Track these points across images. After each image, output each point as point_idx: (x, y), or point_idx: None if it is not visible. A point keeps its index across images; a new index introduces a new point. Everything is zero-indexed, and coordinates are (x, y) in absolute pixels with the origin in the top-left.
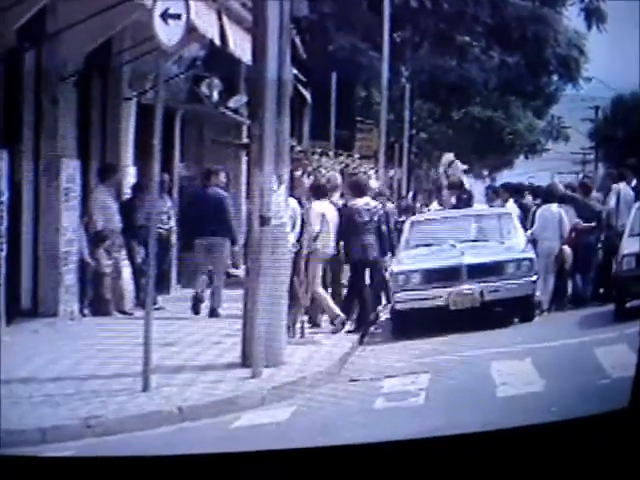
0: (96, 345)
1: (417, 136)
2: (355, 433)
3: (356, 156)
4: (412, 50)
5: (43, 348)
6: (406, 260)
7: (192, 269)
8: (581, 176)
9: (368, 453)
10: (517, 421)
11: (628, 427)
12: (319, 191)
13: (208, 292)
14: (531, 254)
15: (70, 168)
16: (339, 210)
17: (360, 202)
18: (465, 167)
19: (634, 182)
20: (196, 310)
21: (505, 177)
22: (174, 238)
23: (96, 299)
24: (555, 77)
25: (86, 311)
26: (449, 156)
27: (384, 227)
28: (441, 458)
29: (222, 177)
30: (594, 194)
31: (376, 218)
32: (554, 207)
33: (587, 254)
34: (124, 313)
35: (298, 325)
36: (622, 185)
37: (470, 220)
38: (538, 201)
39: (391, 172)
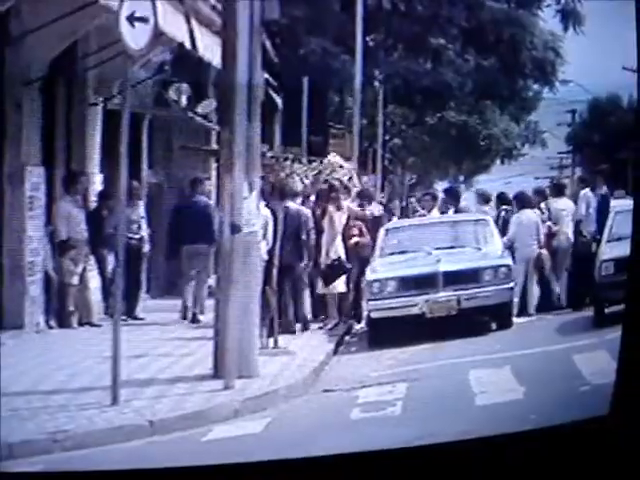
0: (63, 358)
1: (391, 142)
2: (331, 444)
3: (329, 160)
4: (385, 53)
5: (8, 361)
6: (381, 268)
7: (178, 277)
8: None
9: (344, 464)
10: (496, 429)
11: (608, 434)
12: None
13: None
14: (508, 260)
15: (35, 176)
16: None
17: (279, 206)
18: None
19: (604, 188)
20: (194, 319)
21: (481, 182)
22: (146, 247)
23: (62, 311)
24: (531, 81)
25: (52, 323)
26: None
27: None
28: (419, 468)
29: (207, 185)
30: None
31: (294, 222)
32: (530, 213)
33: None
34: (92, 325)
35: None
36: (586, 191)
37: (446, 227)
38: (487, 208)
39: (365, 178)
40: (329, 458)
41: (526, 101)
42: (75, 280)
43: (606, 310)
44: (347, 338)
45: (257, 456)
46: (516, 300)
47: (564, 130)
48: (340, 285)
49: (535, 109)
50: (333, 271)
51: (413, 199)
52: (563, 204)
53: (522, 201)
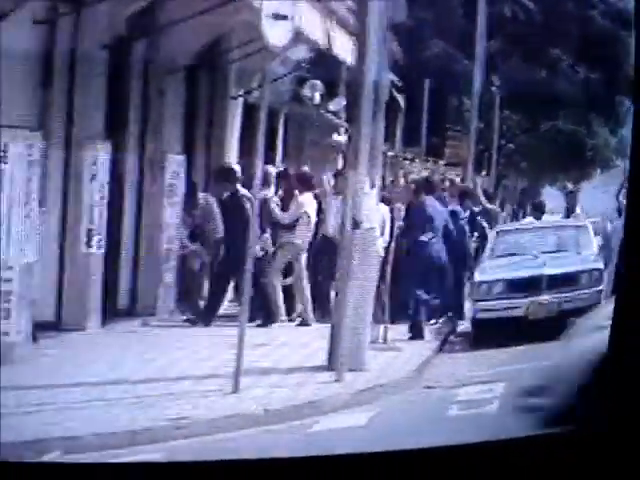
0: (189, 346)
1: (506, 146)
2: (427, 439)
3: (441, 162)
4: (504, 60)
5: (137, 348)
6: (489, 269)
7: None
8: None
9: (440, 457)
10: None
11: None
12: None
13: None
14: (600, 264)
15: (174, 164)
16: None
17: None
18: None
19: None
20: None
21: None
22: None
23: (189, 299)
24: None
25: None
26: None
27: None
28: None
29: None
30: None
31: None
32: None
33: None
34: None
35: (381, 330)
36: None
37: (552, 231)
38: None
39: (478, 181)
40: (426, 450)
41: (620, 115)
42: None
43: None
44: (452, 337)
45: (360, 448)
46: None
47: None
48: None
49: (627, 123)
50: None
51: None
52: None
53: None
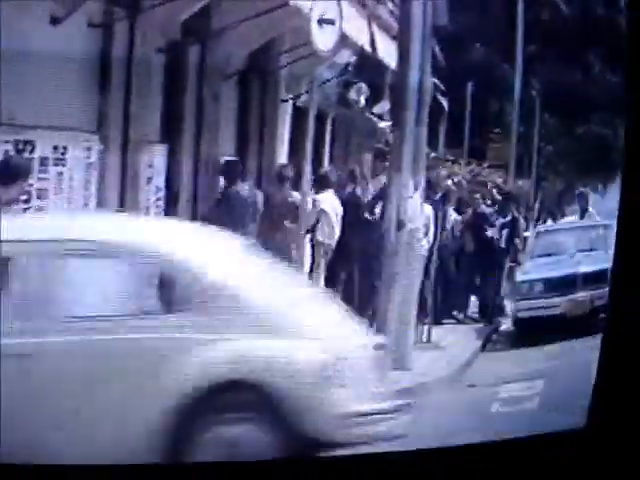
0: None
1: (545, 148)
2: (471, 435)
3: (484, 165)
4: (542, 64)
5: None
6: (530, 269)
7: None
8: None
9: (441, 457)
10: None
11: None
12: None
13: None
14: None
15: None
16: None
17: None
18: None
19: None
20: None
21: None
22: None
23: None
24: None
25: None
26: None
27: None
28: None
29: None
30: None
31: None
32: None
33: None
34: None
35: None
36: None
37: (584, 231)
38: None
39: (519, 182)
40: (424, 451)
41: None
42: None
43: None
44: (494, 336)
45: (404, 445)
46: None
47: None
48: None
49: None
50: None
51: None
52: None
53: None
